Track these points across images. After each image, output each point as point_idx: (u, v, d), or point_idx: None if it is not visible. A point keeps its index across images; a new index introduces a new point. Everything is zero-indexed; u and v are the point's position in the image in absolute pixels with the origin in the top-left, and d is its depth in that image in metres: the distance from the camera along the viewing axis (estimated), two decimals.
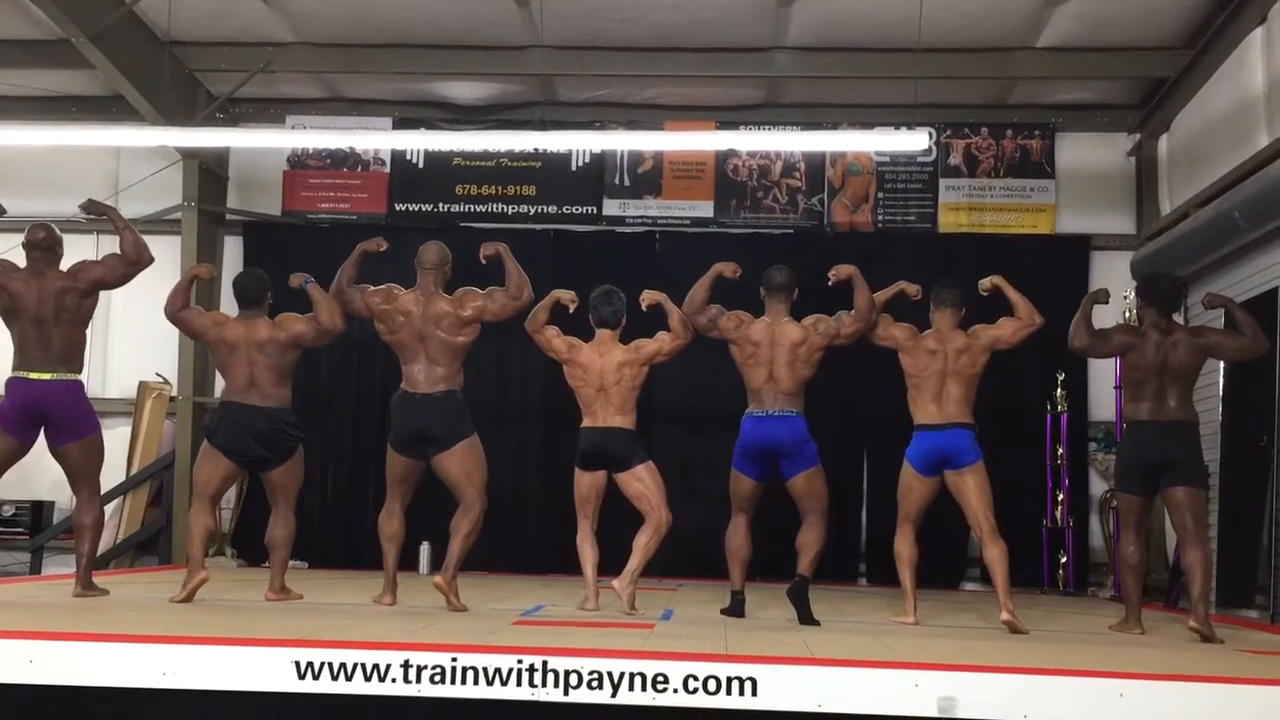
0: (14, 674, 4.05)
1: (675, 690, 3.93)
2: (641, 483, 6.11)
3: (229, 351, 6.14)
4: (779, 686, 3.93)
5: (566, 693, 3.95)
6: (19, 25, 8.85)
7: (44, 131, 9.04)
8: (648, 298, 6.31)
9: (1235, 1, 7.96)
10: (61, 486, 6.77)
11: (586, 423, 6.18)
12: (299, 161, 10.37)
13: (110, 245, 10.01)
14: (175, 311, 6.30)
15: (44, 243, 6.19)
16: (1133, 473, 5.88)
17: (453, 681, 3.96)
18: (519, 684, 3.95)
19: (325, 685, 3.98)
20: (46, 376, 6.00)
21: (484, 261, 6.22)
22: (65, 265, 6.24)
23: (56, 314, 6.04)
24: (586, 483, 6.16)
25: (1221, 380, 8.03)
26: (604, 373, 6.10)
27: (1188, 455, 5.77)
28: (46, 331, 6.02)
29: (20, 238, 6.34)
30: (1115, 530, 8.61)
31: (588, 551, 6.17)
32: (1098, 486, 9.61)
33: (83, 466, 6.16)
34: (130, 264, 6.24)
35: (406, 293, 6.14)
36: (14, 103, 9.86)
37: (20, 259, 6.25)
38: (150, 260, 6.30)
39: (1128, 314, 8.77)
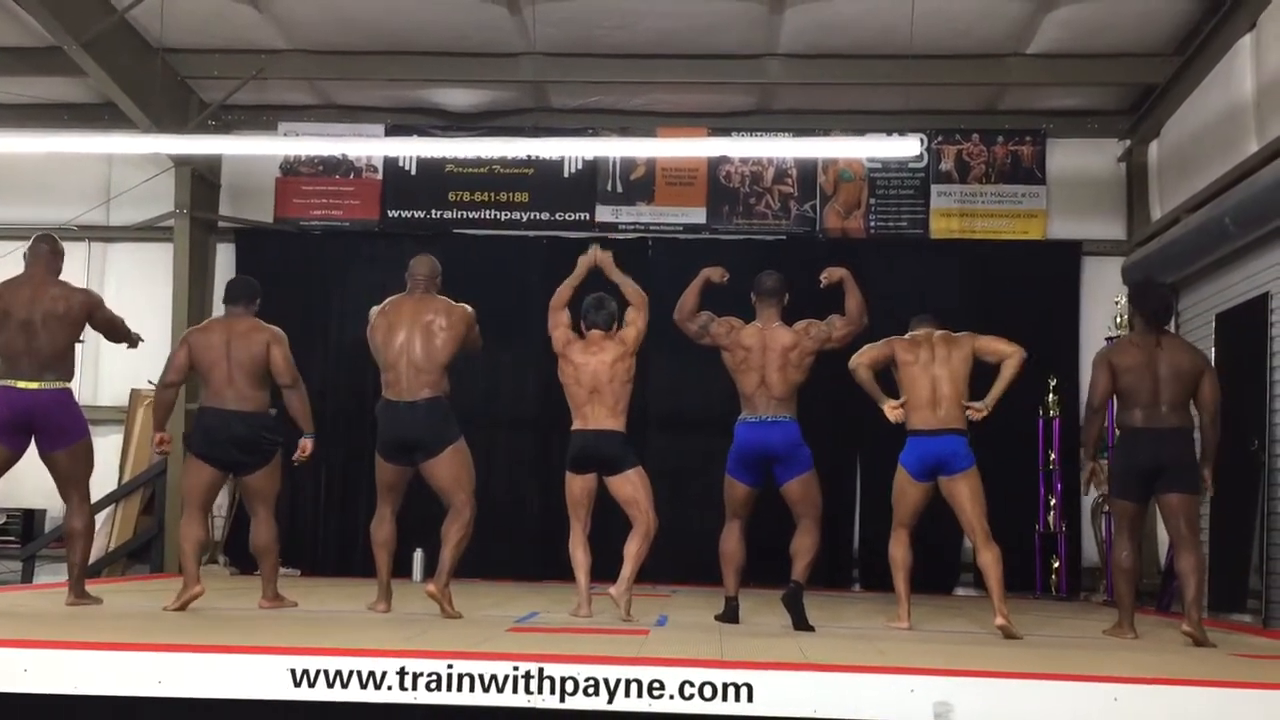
0: (9, 683, 4.04)
1: (671, 696, 3.93)
2: (633, 486, 6.12)
3: (209, 350, 6.12)
4: (775, 692, 3.94)
5: (563, 699, 3.95)
6: (11, 32, 8.83)
7: (36, 139, 9.01)
8: (598, 257, 6.35)
9: (1225, 8, 8.00)
10: (53, 494, 6.74)
11: (577, 425, 6.19)
12: (291, 168, 10.36)
13: (100, 252, 10.20)
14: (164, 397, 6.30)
15: (47, 244, 6.21)
16: (1127, 479, 5.89)
17: (449, 689, 3.97)
18: (515, 691, 3.96)
19: (321, 693, 3.99)
20: (34, 386, 5.96)
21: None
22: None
23: (45, 320, 6.01)
24: (578, 486, 6.17)
25: None
26: (597, 372, 6.12)
27: (1181, 461, 5.77)
28: (35, 338, 5.99)
29: (13, 245, 6.34)
30: (1108, 535, 8.63)
31: (580, 556, 6.18)
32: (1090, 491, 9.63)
33: (72, 472, 6.14)
34: (116, 333, 6.43)
35: (393, 301, 6.11)
36: (6, 110, 9.83)
37: (2, 276, 6.28)
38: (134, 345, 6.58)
39: (1119, 319, 8.81)
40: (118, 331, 6.43)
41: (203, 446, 6.09)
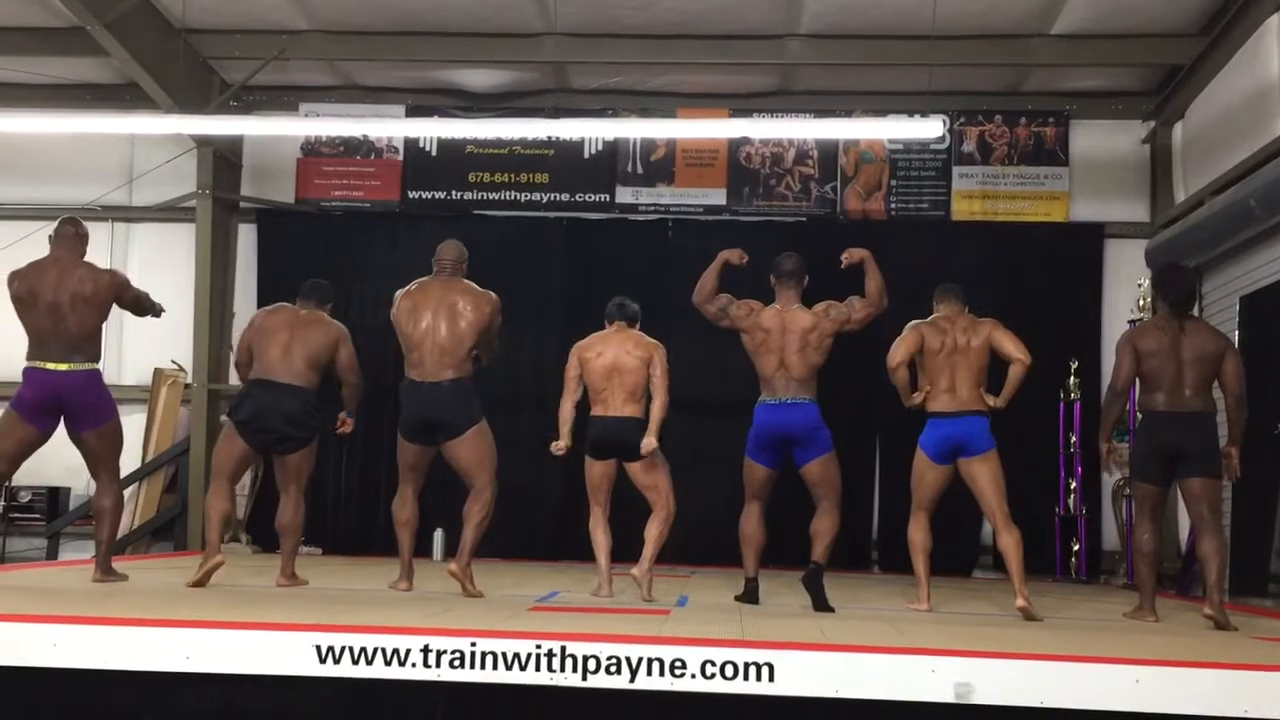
0: (38, 657, 4.10)
1: (693, 675, 3.95)
2: (652, 471, 6.15)
3: (269, 328, 6.31)
4: (797, 672, 3.96)
5: (585, 678, 3.98)
6: (34, 13, 8.87)
7: (58, 119, 9.05)
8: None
9: None
10: (77, 472, 6.82)
11: (597, 411, 6.22)
12: (312, 149, 10.39)
13: (123, 232, 10.25)
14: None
15: (72, 226, 6.27)
16: (1150, 462, 5.88)
17: (472, 666, 4.00)
18: (538, 669, 3.99)
19: (346, 669, 4.03)
20: (63, 368, 6.00)
21: None
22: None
23: (72, 301, 6.05)
24: (598, 471, 6.22)
25: None
26: (615, 355, 6.16)
27: (1204, 445, 5.75)
28: (62, 320, 6.03)
29: (36, 225, 6.39)
30: (1128, 518, 8.61)
31: (600, 538, 6.22)
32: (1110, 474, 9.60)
33: (102, 453, 6.19)
34: (142, 309, 6.47)
35: (420, 284, 6.14)
36: (29, 90, 9.88)
37: (27, 256, 6.33)
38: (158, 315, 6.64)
39: (1142, 302, 8.76)
40: (144, 307, 6.48)
41: (248, 415, 6.17)
